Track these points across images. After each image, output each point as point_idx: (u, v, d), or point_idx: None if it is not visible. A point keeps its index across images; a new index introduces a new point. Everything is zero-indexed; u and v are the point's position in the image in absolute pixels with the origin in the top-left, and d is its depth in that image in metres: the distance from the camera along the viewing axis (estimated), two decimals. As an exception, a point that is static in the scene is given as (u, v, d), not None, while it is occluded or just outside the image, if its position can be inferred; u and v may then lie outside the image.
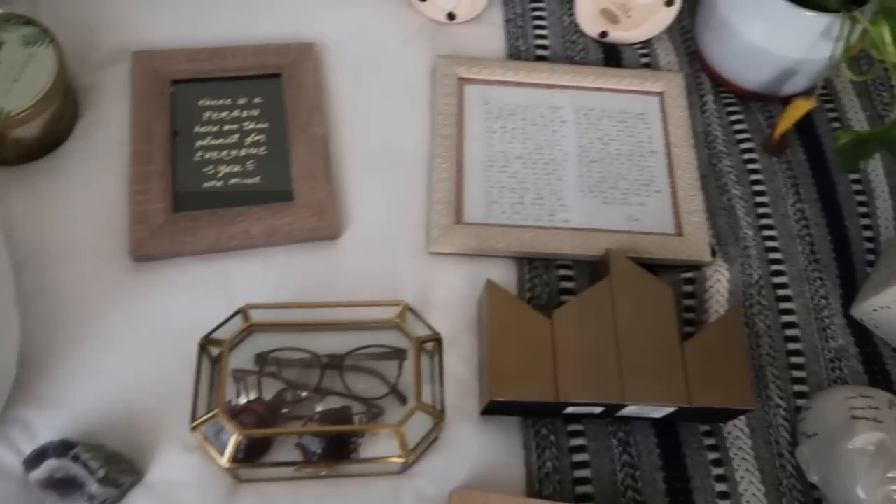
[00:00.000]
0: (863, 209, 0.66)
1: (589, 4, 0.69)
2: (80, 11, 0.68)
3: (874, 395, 0.49)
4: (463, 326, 0.59)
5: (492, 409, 0.54)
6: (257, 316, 0.55)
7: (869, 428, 0.46)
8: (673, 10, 0.69)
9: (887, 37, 0.57)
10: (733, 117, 0.70)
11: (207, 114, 0.65)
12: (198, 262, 0.59)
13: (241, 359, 0.55)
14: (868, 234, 0.65)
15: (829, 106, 0.72)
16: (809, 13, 0.61)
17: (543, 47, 0.71)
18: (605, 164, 0.65)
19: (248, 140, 0.64)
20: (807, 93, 0.64)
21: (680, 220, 0.62)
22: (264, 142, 0.64)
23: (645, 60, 0.72)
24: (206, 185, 0.62)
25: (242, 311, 0.53)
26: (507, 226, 0.61)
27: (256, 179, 0.62)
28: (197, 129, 0.64)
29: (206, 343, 0.52)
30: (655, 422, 0.55)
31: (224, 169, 0.63)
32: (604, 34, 0.72)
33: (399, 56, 0.70)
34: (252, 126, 0.65)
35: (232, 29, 0.69)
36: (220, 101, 0.66)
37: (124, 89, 0.65)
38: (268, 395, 0.55)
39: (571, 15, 0.72)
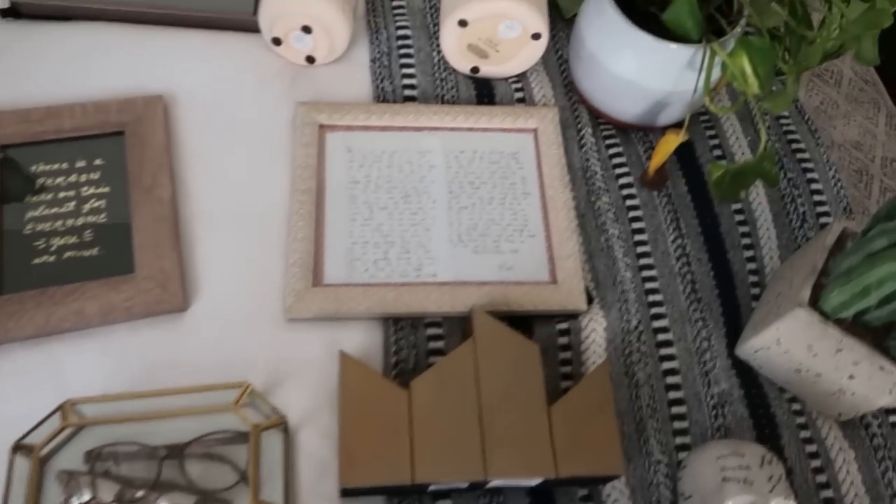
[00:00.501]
0: (746, 240, 0.64)
1: (454, 40, 0.66)
2: None
3: (747, 451, 0.46)
4: (324, 400, 0.54)
5: (349, 493, 0.49)
6: (87, 410, 0.50)
7: (738, 491, 0.43)
8: (541, 44, 0.66)
9: (748, 68, 0.55)
10: (612, 150, 0.67)
11: (42, 180, 0.59)
12: (24, 349, 0.53)
13: (71, 458, 0.50)
14: (752, 266, 0.62)
15: (711, 133, 0.69)
16: (672, 45, 0.58)
17: (412, 87, 0.68)
18: (476, 210, 0.61)
19: (87, 207, 0.59)
20: (678, 125, 0.61)
21: (554, 266, 0.59)
22: (104, 208, 0.59)
23: (519, 95, 0.68)
24: (37, 260, 0.56)
25: (62, 408, 0.48)
26: (369, 285, 0.57)
27: (94, 251, 0.57)
28: (29, 198, 0.59)
29: (18, 447, 0.47)
30: (530, 489, 0.52)
31: (58, 241, 0.57)
32: (475, 70, 0.69)
33: (256, 104, 0.65)
34: (91, 191, 0.60)
35: (70, 85, 0.64)
36: (56, 166, 0.60)
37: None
38: (106, 497, 0.50)
39: (440, 51, 0.69)
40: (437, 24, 0.71)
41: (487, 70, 0.69)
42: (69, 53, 0.66)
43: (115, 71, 0.65)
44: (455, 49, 0.67)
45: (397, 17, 0.71)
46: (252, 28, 0.68)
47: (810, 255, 0.55)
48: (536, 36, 0.65)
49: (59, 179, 0.60)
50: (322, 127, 0.64)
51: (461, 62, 0.68)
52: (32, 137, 0.61)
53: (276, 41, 0.65)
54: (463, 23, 0.64)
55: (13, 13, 0.66)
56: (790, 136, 0.71)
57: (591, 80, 0.66)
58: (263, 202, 0.61)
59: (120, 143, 0.62)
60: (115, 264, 0.56)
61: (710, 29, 0.59)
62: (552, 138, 0.65)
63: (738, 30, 0.59)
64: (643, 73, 0.61)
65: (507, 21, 0.64)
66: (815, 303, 0.52)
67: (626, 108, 0.65)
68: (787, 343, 0.54)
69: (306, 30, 0.64)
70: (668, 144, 0.60)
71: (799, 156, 0.70)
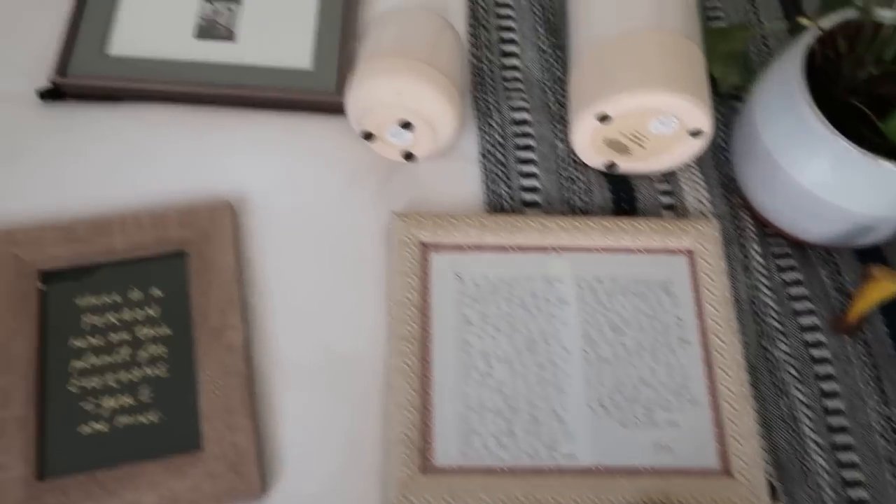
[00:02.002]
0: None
1: (589, 135, 0.53)
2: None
3: None
4: None
5: None
6: None
7: None
8: (701, 142, 0.52)
9: None
10: (787, 275, 0.53)
11: (88, 318, 0.49)
12: (69, 554, 0.44)
13: None
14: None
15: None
16: (888, 165, 0.44)
17: (533, 189, 0.55)
18: (620, 363, 0.49)
19: (144, 355, 0.48)
20: (880, 253, 0.47)
21: (725, 448, 0.46)
22: (165, 357, 0.48)
23: (667, 200, 0.55)
24: (85, 429, 0.46)
25: None
26: (491, 471, 0.45)
27: (153, 417, 0.46)
28: (73, 342, 0.48)
29: None
30: None
31: (110, 403, 0.46)
32: (611, 165, 0.55)
33: (342, 211, 0.53)
34: (149, 333, 0.48)
35: (121, 185, 0.53)
36: (107, 299, 0.49)
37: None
38: None
39: (566, 141, 0.56)
40: (561, 105, 0.58)
41: (627, 166, 0.55)
42: (120, 144, 0.54)
43: (174, 166, 0.54)
44: (589, 144, 0.54)
45: (511, 94, 0.58)
46: (336, 109, 0.56)
47: None
48: (696, 133, 0.52)
49: (111, 317, 0.49)
50: (424, 246, 0.52)
51: (594, 157, 0.55)
52: (78, 260, 0.50)
53: (368, 136, 0.53)
54: (604, 118, 0.51)
55: (55, 94, 0.55)
56: None
57: (765, 187, 0.52)
58: (354, 348, 0.49)
59: (181, 268, 0.51)
60: (178, 437, 0.46)
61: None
62: (713, 263, 0.51)
63: None
64: (843, 191, 0.47)
65: (662, 116, 0.51)
66: None
67: (811, 227, 0.51)
68: None
69: (406, 125, 0.51)
70: (881, 292, 0.46)
71: None
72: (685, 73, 0.50)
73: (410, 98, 0.50)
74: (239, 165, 0.55)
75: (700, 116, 0.50)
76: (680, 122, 0.50)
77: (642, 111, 0.50)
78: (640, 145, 0.53)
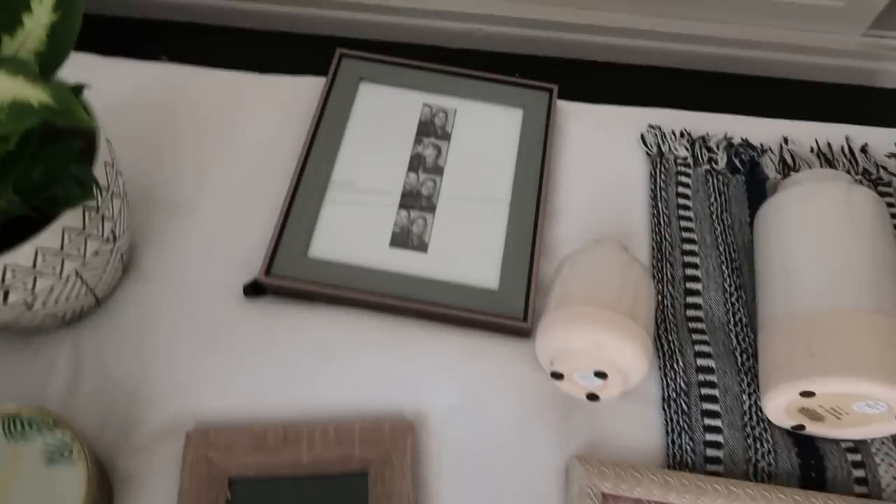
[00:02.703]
0: None
1: (783, 403, 0.51)
2: (128, 365, 0.55)
3: None
4: None
5: None
6: None
7: None
8: (908, 427, 0.51)
9: None
10: None
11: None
12: None
13: None
14: None
15: None
16: None
17: (716, 444, 0.53)
18: None
19: (319, 583, 0.49)
20: None
21: None
22: (339, 588, 0.49)
23: (859, 473, 0.52)
24: None
25: None
26: None
27: None
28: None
29: None
30: None
31: None
32: (800, 427, 0.54)
33: (519, 441, 0.53)
34: (325, 559, 0.49)
35: (309, 391, 0.55)
36: (299, 517, 0.51)
37: (168, 485, 0.50)
38: None
39: (753, 395, 0.55)
40: (746, 354, 0.57)
41: (816, 431, 0.53)
42: (311, 346, 0.56)
43: (360, 372, 0.56)
44: (783, 411, 0.52)
45: (695, 337, 0.57)
46: (521, 333, 0.57)
47: None
48: (904, 417, 0.50)
49: (290, 536, 0.50)
50: (605, 497, 0.51)
51: (783, 420, 0.53)
52: (265, 471, 0.51)
53: (557, 375, 0.54)
54: (808, 394, 0.50)
55: (257, 290, 0.58)
56: None
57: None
58: None
59: (362, 489, 0.51)
60: None
61: None
62: (916, 562, 0.49)
63: None
64: None
65: (871, 401, 0.49)
66: None
67: None
68: None
69: (600, 375, 0.52)
70: None
71: None
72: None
73: (610, 352, 0.50)
74: (421, 380, 0.56)
75: (912, 405, 0.48)
76: (889, 408, 0.49)
77: (851, 395, 0.48)
78: (838, 417, 0.51)
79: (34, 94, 0.32)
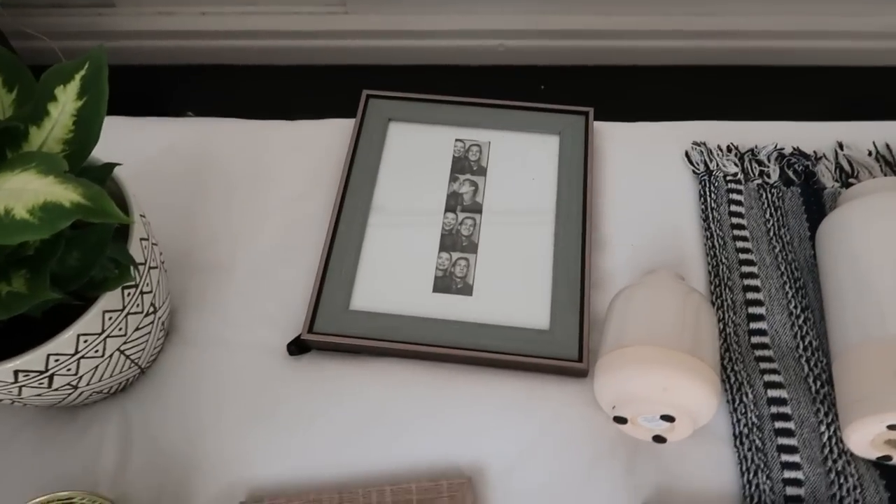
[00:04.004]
0: None
1: (868, 436, 0.48)
2: (176, 435, 0.53)
3: None
4: None
5: None
6: None
7: None
8: None
9: None
10: None
11: None
12: None
13: None
14: None
15: None
16: None
17: (796, 482, 0.49)
18: None
19: None
20: None
21: None
22: None
23: (956, 506, 0.49)
24: None
25: None
26: None
27: None
28: None
29: None
30: None
31: None
32: (887, 458, 0.50)
33: (585, 494, 0.50)
34: None
35: (360, 449, 0.53)
36: (350, 585, 0.49)
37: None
38: None
39: (831, 426, 0.51)
40: (821, 382, 0.53)
41: (904, 461, 0.50)
42: (359, 401, 0.55)
43: (412, 427, 0.54)
44: (867, 443, 0.49)
45: (762, 366, 0.54)
46: (577, 374, 0.54)
47: None
48: None
49: None
50: (682, 548, 0.48)
51: (868, 451, 0.50)
52: (323, 538, 0.51)
53: (620, 420, 0.51)
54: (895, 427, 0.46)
55: (301, 348, 0.56)
56: None
57: None
58: None
59: (423, 552, 0.50)
60: None
61: None
62: None
63: None
64: None
65: (967, 431, 0.46)
66: None
67: None
68: None
69: (667, 418, 0.49)
70: None
71: None
72: None
73: (676, 395, 0.47)
74: (477, 430, 0.53)
75: None
76: None
77: (944, 425, 0.45)
78: (929, 448, 0.48)
79: (65, 194, 0.31)
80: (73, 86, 0.39)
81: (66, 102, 0.38)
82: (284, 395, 0.56)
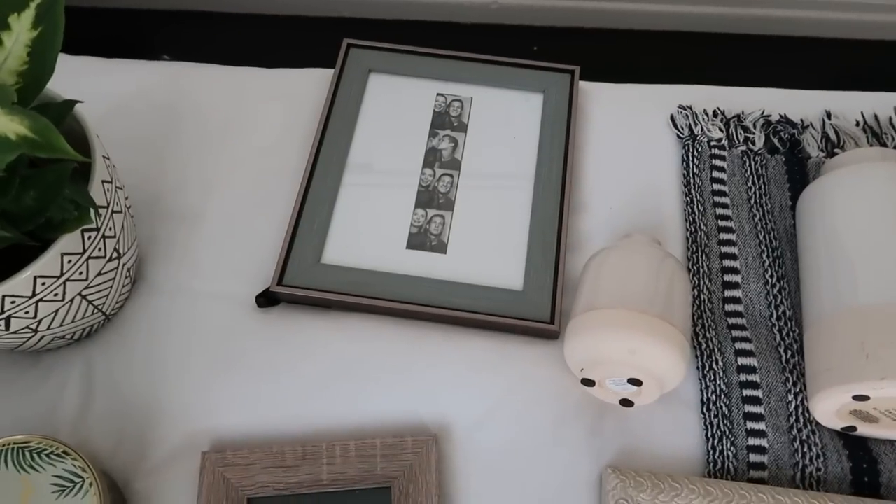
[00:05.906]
0: None
1: (834, 407, 0.48)
2: (141, 383, 0.53)
3: None
4: None
5: None
6: None
7: None
8: (973, 430, 0.47)
9: None
10: None
11: (292, 556, 0.48)
12: None
13: None
14: None
15: None
16: None
17: (759, 449, 0.49)
18: None
19: None
20: None
21: None
22: None
23: (916, 476, 0.49)
24: None
25: None
26: None
27: None
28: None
29: None
30: None
31: None
32: (851, 429, 0.50)
33: (548, 456, 0.50)
34: (351, 581, 0.48)
35: (326, 404, 0.52)
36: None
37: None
38: None
39: (799, 395, 0.51)
40: (791, 351, 0.53)
41: (868, 432, 0.50)
42: (327, 356, 0.54)
43: (379, 383, 0.53)
44: (833, 414, 0.49)
45: (734, 334, 0.53)
46: (548, 336, 0.54)
47: None
48: (969, 421, 0.46)
49: (315, 557, 0.48)
50: (643, 515, 0.48)
51: (833, 421, 0.50)
52: (284, 490, 0.49)
53: (588, 383, 0.51)
54: (861, 398, 0.46)
55: (270, 301, 0.55)
56: None
57: None
58: None
59: (384, 502, 0.50)
60: None
61: None
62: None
63: None
64: None
65: (932, 404, 0.45)
66: None
67: None
68: None
69: (634, 382, 0.49)
70: None
71: None
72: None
73: (644, 358, 0.47)
74: (444, 389, 0.53)
75: (976, 406, 0.44)
76: (950, 410, 0.45)
77: (909, 398, 0.45)
78: (893, 419, 0.48)
79: (11, 126, 0.30)
80: (28, 14, 0.37)
81: (20, 32, 0.36)
82: (252, 346, 0.55)
